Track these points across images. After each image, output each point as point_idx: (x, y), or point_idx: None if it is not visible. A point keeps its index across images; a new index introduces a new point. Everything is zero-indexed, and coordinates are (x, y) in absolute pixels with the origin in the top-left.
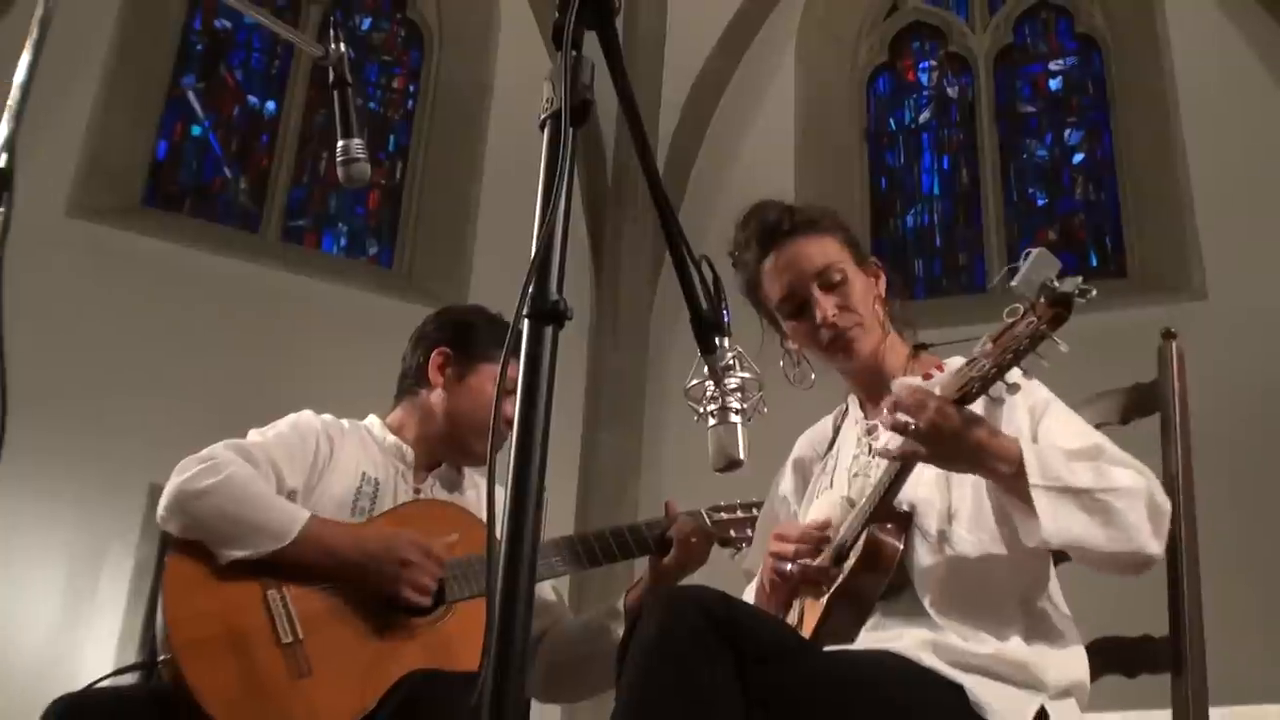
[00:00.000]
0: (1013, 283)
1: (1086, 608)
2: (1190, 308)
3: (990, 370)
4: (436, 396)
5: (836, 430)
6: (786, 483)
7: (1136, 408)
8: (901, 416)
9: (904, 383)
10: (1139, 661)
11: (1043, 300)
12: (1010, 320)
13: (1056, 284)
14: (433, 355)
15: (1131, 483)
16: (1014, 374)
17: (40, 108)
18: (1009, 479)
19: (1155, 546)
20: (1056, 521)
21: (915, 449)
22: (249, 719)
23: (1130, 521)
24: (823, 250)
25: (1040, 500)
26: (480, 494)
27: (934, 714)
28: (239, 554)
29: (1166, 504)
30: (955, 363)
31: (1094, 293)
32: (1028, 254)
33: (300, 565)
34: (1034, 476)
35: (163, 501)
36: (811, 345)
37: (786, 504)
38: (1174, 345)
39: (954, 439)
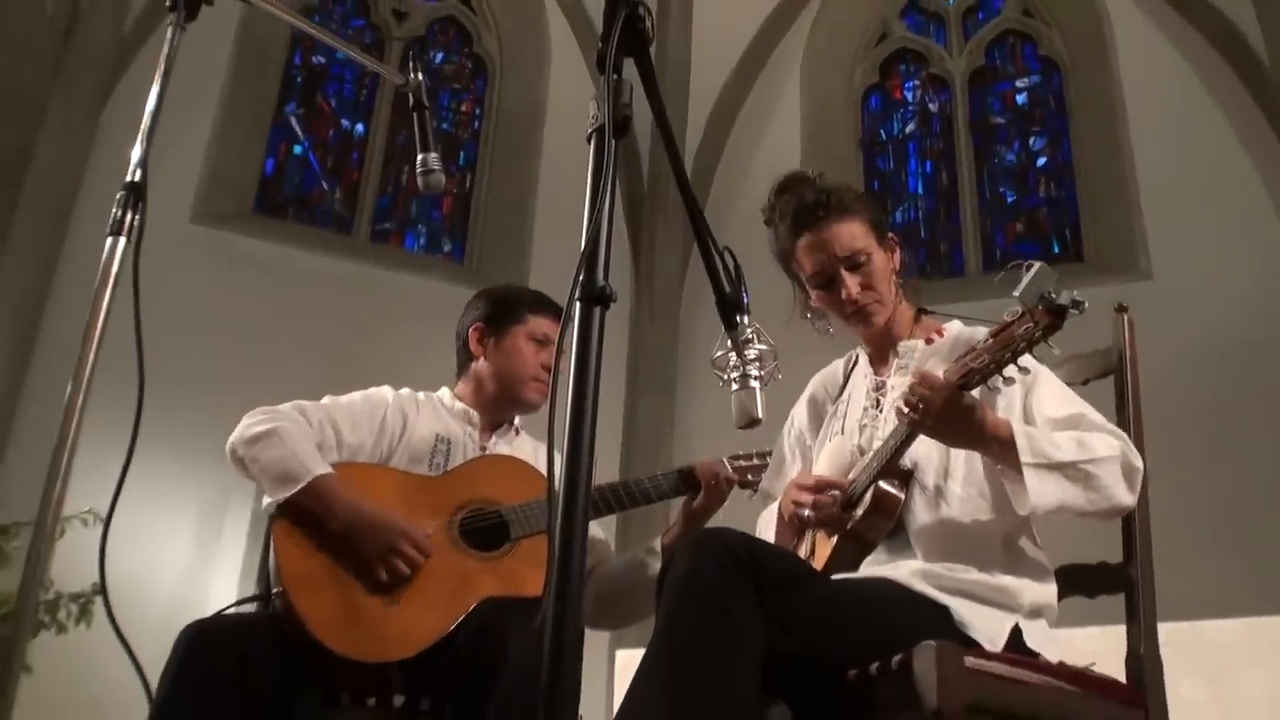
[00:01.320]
0: (1015, 292)
1: (1053, 539)
2: (1138, 286)
3: (989, 365)
4: (483, 365)
5: (847, 377)
6: (802, 417)
7: (1095, 370)
8: (916, 397)
9: (911, 345)
10: (1098, 584)
11: (1041, 308)
12: (1009, 320)
13: (1054, 295)
14: (470, 331)
15: (1107, 450)
16: (1010, 369)
17: (167, 131)
18: (1002, 456)
19: (1129, 499)
20: (1043, 496)
21: (923, 424)
22: (348, 641)
23: (1107, 484)
24: (851, 234)
25: (1030, 476)
26: (534, 446)
27: (924, 631)
28: (271, 498)
29: (1138, 461)
30: (954, 327)
31: (1087, 305)
32: (1030, 266)
33: (309, 513)
34: (1024, 455)
35: (227, 444)
36: (835, 313)
37: (803, 439)
38: (1125, 318)
39: (956, 424)
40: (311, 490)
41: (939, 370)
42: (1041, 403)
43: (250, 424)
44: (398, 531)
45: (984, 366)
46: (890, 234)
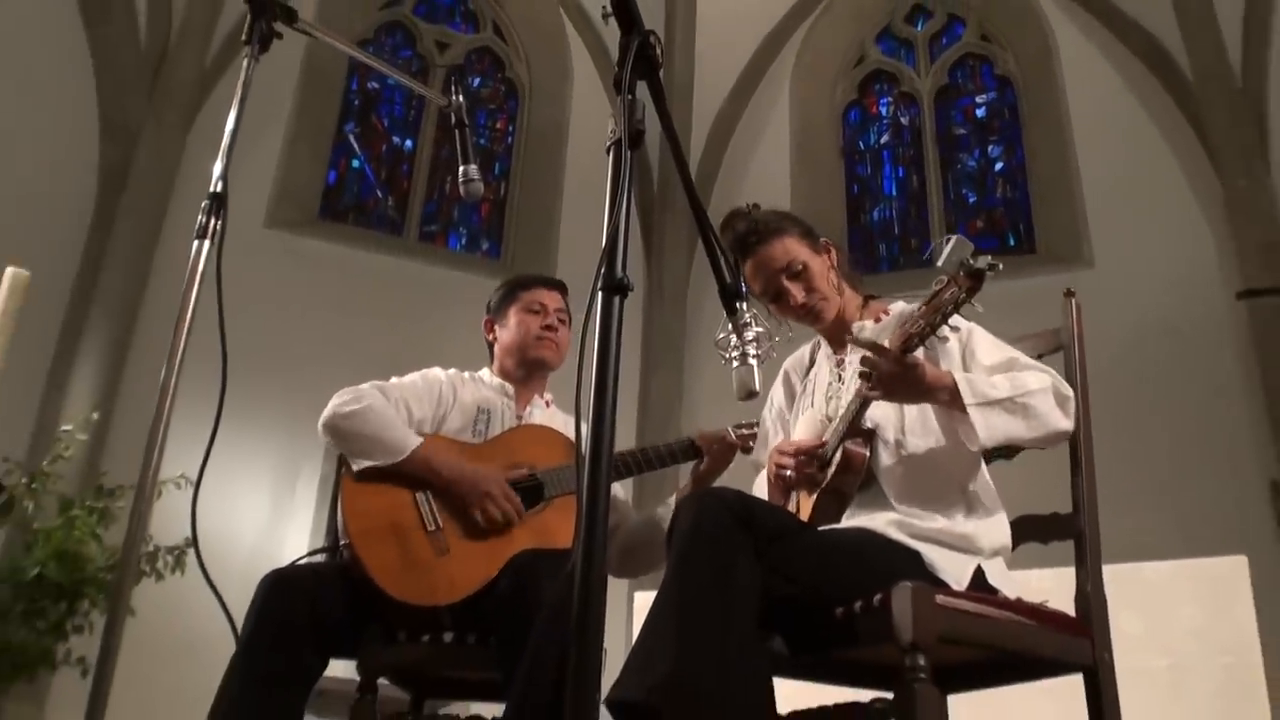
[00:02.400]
0: (938, 263)
1: (1011, 494)
2: (1083, 274)
3: (925, 328)
4: (498, 347)
5: (813, 359)
6: (779, 395)
7: (1048, 347)
8: (866, 368)
9: (862, 325)
10: (1050, 532)
11: (962, 274)
12: (937, 288)
13: (972, 261)
14: (484, 326)
15: (1039, 383)
16: (943, 330)
17: (244, 148)
18: (950, 402)
19: (1066, 423)
20: (989, 430)
21: (878, 385)
22: (405, 586)
23: (1043, 412)
24: (784, 250)
25: (974, 415)
26: (564, 419)
27: (900, 573)
28: (367, 463)
29: (1068, 390)
30: (898, 306)
31: (1001, 267)
32: (949, 239)
33: (413, 476)
34: (967, 397)
35: (321, 420)
36: (791, 319)
37: (782, 414)
38: (1073, 301)
39: (905, 381)
40: (415, 457)
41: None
42: (977, 355)
43: (343, 402)
44: (494, 483)
45: (921, 330)
46: (822, 239)
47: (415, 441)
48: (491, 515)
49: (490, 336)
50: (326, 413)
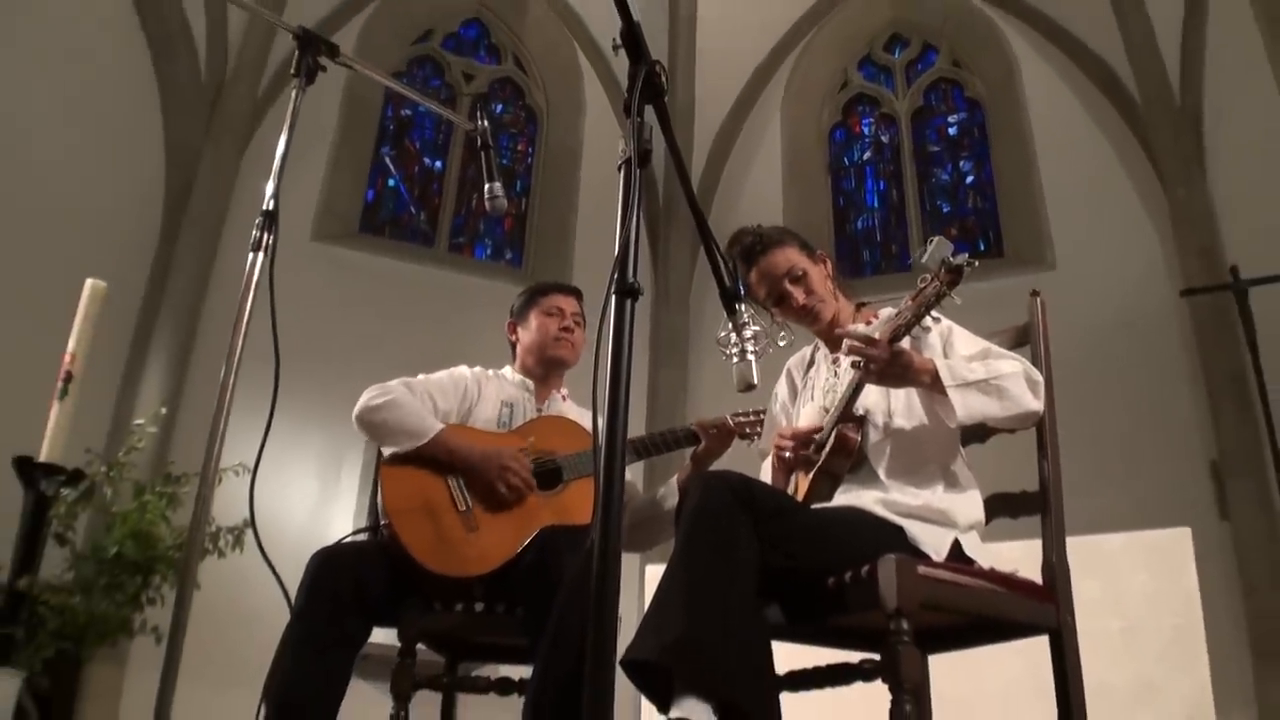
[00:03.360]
0: (922, 260)
1: (985, 474)
2: (1046, 275)
3: (911, 319)
4: (520, 347)
5: (813, 358)
6: (783, 391)
7: (1015, 341)
8: (855, 356)
9: (855, 326)
10: (1019, 507)
11: (943, 270)
12: (921, 285)
13: (952, 259)
14: (507, 328)
15: (1011, 368)
16: (926, 320)
17: (293, 169)
18: (932, 385)
19: (1036, 404)
20: (967, 409)
21: (869, 371)
22: (439, 561)
23: (1015, 393)
24: (786, 257)
25: (953, 395)
26: (578, 410)
27: (885, 547)
28: (395, 449)
29: (1038, 375)
30: (885, 311)
31: (977, 264)
32: (931, 240)
33: (435, 460)
34: (947, 380)
35: (353, 414)
36: (793, 320)
37: (786, 407)
38: (1038, 301)
39: (892, 368)
40: (437, 441)
41: None
42: (956, 347)
43: (371, 397)
44: (508, 456)
45: (907, 321)
46: (818, 251)
47: (437, 427)
48: (513, 484)
49: (513, 337)
50: (357, 407)
